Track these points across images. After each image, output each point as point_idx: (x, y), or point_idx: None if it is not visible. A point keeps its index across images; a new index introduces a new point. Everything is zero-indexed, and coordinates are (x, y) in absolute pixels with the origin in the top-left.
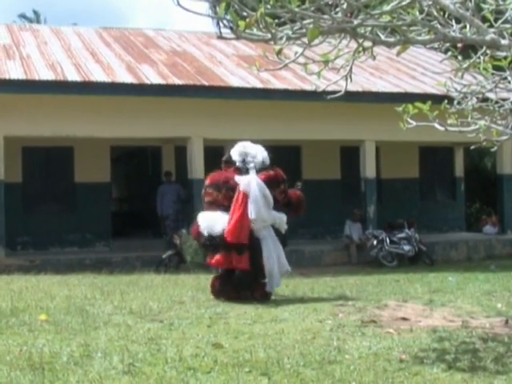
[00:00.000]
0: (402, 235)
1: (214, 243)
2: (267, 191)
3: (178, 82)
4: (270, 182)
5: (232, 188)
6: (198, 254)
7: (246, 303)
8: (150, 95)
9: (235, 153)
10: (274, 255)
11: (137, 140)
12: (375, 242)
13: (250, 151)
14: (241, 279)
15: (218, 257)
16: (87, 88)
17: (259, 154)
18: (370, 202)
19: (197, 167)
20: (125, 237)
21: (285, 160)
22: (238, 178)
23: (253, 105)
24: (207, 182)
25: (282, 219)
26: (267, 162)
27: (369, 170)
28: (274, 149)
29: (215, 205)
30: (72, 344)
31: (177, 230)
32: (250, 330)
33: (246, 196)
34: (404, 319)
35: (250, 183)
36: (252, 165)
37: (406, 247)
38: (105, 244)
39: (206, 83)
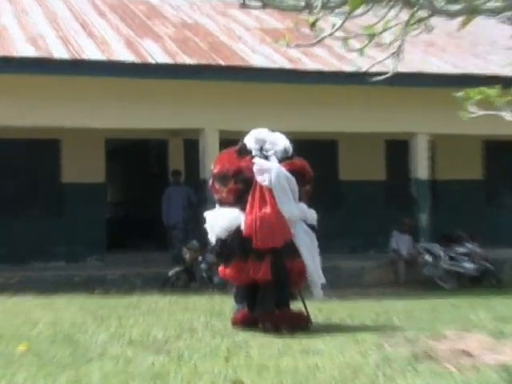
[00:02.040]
0: (463, 250)
1: (224, 249)
2: (294, 182)
3: (188, 61)
4: (296, 175)
5: (244, 179)
6: (213, 271)
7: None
8: (155, 77)
9: (250, 139)
10: (314, 254)
11: (138, 132)
12: (429, 258)
13: (268, 137)
14: (266, 297)
15: (230, 269)
16: (77, 68)
17: (279, 140)
18: (422, 208)
19: (211, 165)
20: (123, 249)
21: (317, 157)
22: (257, 164)
23: (279, 89)
24: (216, 169)
25: (313, 212)
26: (290, 151)
27: (421, 169)
28: (305, 144)
29: (222, 203)
30: (59, 380)
31: (186, 241)
32: (277, 364)
33: (268, 190)
34: (466, 353)
35: (273, 172)
36: (272, 152)
37: (468, 265)
38: (98, 258)
39: (222, 63)
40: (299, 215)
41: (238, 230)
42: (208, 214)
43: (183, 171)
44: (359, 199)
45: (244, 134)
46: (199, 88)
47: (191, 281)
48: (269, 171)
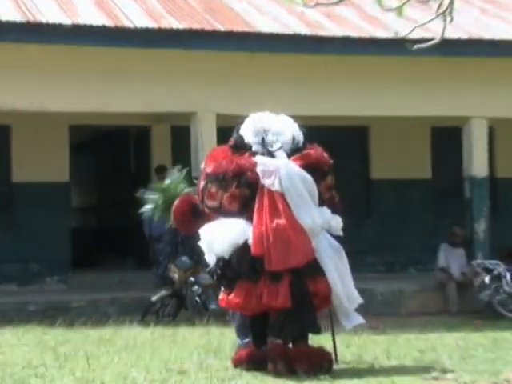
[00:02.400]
0: None
1: (227, 271)
2: (310, 181)
3: (176, 25)
4: (311, 171)
5: (248, 183)
6: (208, 295)
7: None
8: (134, 46)
9: (248, 131)
10: (342, 274)
11: (111, 117)
12: (488, 279)
13: (271, 125)
14: (282, 327)
15: (235, 294)
16: (32, 33)
17: (286, 128)
18: (478, 215)
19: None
20: (92, 268)
21: (342, 149)
22: (261, 164)
23: (294, 62)
24: (209, 169)
25: (338, 220)
26: (300, 139)
27: (477, 164)
28: (327, 131)
29: (221, 212)
30: None
31: (174, 257)
32: None
33: (278, 194)
34: None
35: (283, 171)
36: (278, 145)
37: None
38: (60, 279)
39: (220, 27)
40: (322, 224)
41: (245, 246)
42: (204, 230)
43: (170, 167)
44: (397, 203)
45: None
46: (190, 60)
47: (181, 308)
48: (277, 171)
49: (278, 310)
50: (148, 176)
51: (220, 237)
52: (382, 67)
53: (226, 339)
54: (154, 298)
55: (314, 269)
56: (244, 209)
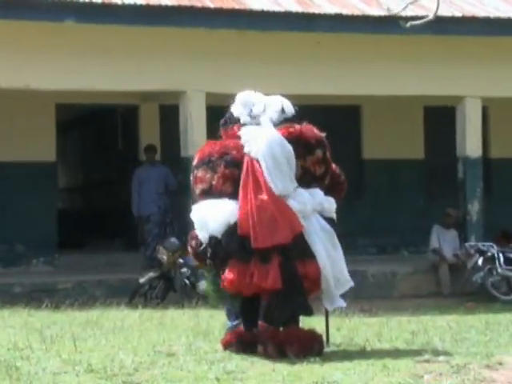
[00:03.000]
0: None
1: (219, 250)
2: (290, 150)
3: (165, 1)
4: (294, 144)
5: (235, 162)
6: (197, 277)
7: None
8: (122, 23)
9: (237, 104)
10: (334, 256)
11: (99, 95)
12: (481, 261)
13: (260, 98)
14: (273, 310)
15: (227, 273)
16: (17, 10)
17: (275, 101)
18: (472, 195)
19: (195, 138)
20: (79, 250)
21: (333, 128)
22: (244, 134)
23: (285, 39)
24: (195, 161)
25: (331, 202)
26: (290, 111)
27: (471, 144)
28: (318, 110)
29: (212, 194)
30: None
31: (163, 238)
32: None
33: (260, 168)
34: None
35: (264, 138)
36: (266, 116)
37: None
38: (46, 261)
39: (210, 4)
40: (314, 206)
41: (235, 226)
42: (197, 208)
43: (159, 147)
44: (389, 184)
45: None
46: (179, 37)
47: (169, 290)
48: (259, 138)
49: (269, 292)
50: (136, 155)
51: (212, 216)
52: (375, 45)
53: (215, 322)
54: (142, 280)
55: (303, 251)
56: (236, 189)
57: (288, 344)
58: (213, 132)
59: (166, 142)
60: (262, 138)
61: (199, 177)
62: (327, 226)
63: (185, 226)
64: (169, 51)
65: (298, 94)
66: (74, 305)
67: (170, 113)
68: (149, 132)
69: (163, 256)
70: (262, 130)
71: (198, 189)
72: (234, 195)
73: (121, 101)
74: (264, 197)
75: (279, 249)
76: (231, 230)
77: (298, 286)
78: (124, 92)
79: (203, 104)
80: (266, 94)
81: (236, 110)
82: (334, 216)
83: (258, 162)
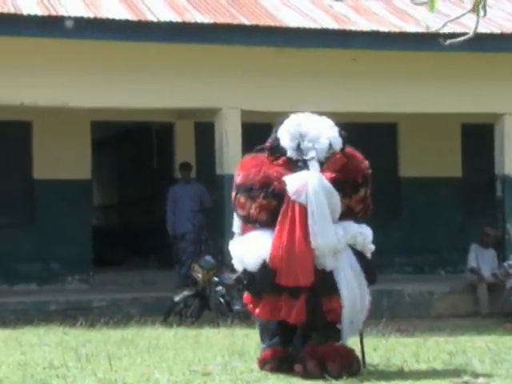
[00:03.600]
0: None
1: (252, 284)
2: (336, 198)
3: (201, 18)
4: (342, 184)
5: (276, 194)
6: (232, 295)
7: (313, 378)
8: (156, 40)
9: (285, 134)
10: (356, 296)
11: (134, 113)
12: None
13: (308, 130)
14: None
15: (261, 306)
16: (54, 28)
17: (324, 133)
18: (510, 214)
19: (231, 155)
20: (114, 267)
21: (369, 146)
22: (287, 179)
23: (321, 56)
24: (238, 180)
25: (365, 235)
26: (337, 146)
27: (509, 162)
28: (354, 128)
29: (249, 221)
30: None
31: (198, 257)
32: None
33: (302, 208)
34: None
35: (309, 187)
36: (313, 154)
37: None
38: (81, 279)
39: (245, 21)
40: (346, 239)
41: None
42: (234, 244)
43: (194, 164)
44: (426, 202)
45: (274, 115)
46: (215, 55)
47: (204, 309)
48: (304, 187)
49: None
50: (171, 173)
51: (249, 252)
52: (412, 62)
53: (251, 341)
54: (176, 298)
55: (330, 288)
56: (272, 219)
57: (329, 360)
58: (248, 149)
59: (201, 160)
60: (308, 188)
61: (240, 202)
62: (355, 264)
63: (220, 244)
64: (204, 68)
65: (334, 112)
66: (109, 323)
67: (205, 130)
68: (184, 149)
69: (198, 274)
70: (307, 177)
71: (239, 212)
72: (269, 224)
73: (156, 118)
74: (296, 237)
75: (307, 287)
76: (265, 265)
77: (321, 321)
78: (159, 109)
79: (238, 121)
80: (302, 112)
81: (283, 139)
82: (370, 247)
83: (302, 207)
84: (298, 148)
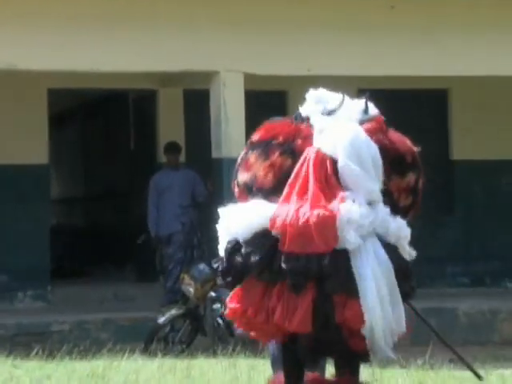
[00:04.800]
0: None
1: (235, 261)
2: (379, 158)
3: None
4: (384, 153)
5: (295, 152)
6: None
7: None
8: None
9: (308, 101)
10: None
11: (105, 79)
12: None
13: (333, 95)
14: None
15: (232, 298)
16: None
17: (355, 103)
18: None
19: (231, 133)
20: (78, 280)
21: (411, 120)
22: (315, 123)
23: (350, 4)
24: (255, 136)
25: (400, 226)
26: (374, 110)
27: None
28: (389, 96)
29: (249, 189)
30: None
31: (189, 265)
32: None
33: (330, 162)
34: None
35: (348, 134)
36: (345, 115)
37: None
38: (36, 295)
39: None
40: (375, 223)
41: (265, 233)
42: (224, 211)
43: (183, 145)
44: (487, 194)
45: (287, 81)
46: (211, 5)
47: (197, 332)
48: (338, 131)
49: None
50: (153, 157)
51: (239, 218)
52: (467, 10)
53: (259, 374)
54: (161, 320)
55: (346, 282)
56: (280, 187)
57: None
58: (254, 125)
59: (193, 140)
60: (342, 132)
61: (248, 163)
62: (385, 258)
63: (217, 249)
64: (196, 20)
65: (364, 76)
66: (73, 352)
67: (197, 101)
68: (170, 126)
69: (189, 288)
70: (341, 123)
71: (240, 178)
72: (274, 192)
73: (134, 85)
74: (313, 196)
75: (316, 278)
76: (258, 236)
77: (336, 333)
78: (138, 74)
79: (241, 88)
80: (324, 77)
81: (305, 108)
82: (405, 252)
83: (330, 159)
84: (324, 112)
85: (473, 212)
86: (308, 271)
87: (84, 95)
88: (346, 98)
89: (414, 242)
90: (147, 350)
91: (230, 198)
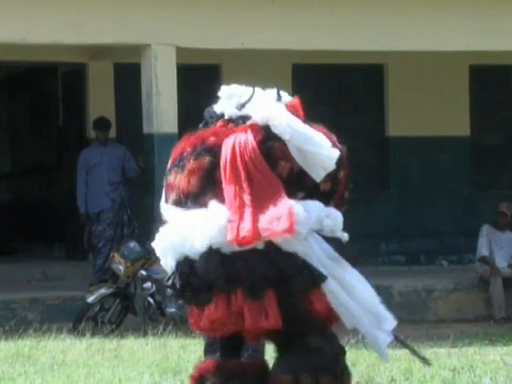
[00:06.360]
0: None
1: (195, 280)
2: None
3: None
4: None
5: (210, 149)
6: (165, 294)
7: None
8: None
9: (222, 96)
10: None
11: (32, 51)
12: None
13: (246, 89)
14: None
15: (211, 309)
16: None
17: (267, 92)
18: None
19: (163, 108)
20: (4, 258)
21: (345, 95)
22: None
23: None
24: (170, 161)
25: (334, 219)
26: (286, 99)
27: None
28: (324, 71)
29: (179, 202)
30: None
31: (119, 242)
32: None
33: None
34: None
35: (283, 115)
36: (257, 102)
37: None
38: None
39: None
40: (311, 223)
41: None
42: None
43: (113, 120)
44: (422, 170)
45: (221, 54)
46: None
47: (127, 312)
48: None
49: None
50: (82, 132)
51: (200, 227)
52: None
53: (190, 354)
54: (90, 299)
55: (306, 279)
56: (208, 185)
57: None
58: (186, 100)
59: (123, 115)
60: (280, 115)
61: (170, 184)
62: (331, 252)
63: (148, 226)
64: None
65: (298, 50)
66: None
67: (128, 75)
68: (100, 100)
69: (119, 266)
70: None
71: (170, 199)
72: (204, 194)
73: (62, 58)
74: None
75: (274, 280)
76: (213, 249)
77: (310, 322)
78: (67, 46)
79: (173, 62)
80: (259, 49)
81: (219, 106)
82: (341, 235)
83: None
84: (238, 105)
85: (408, 189)
86: (266, 274)
87: (11, 68)
88: (258, 89)
89: (347, 219)
90: (76, 330)
91: (161, 174)
